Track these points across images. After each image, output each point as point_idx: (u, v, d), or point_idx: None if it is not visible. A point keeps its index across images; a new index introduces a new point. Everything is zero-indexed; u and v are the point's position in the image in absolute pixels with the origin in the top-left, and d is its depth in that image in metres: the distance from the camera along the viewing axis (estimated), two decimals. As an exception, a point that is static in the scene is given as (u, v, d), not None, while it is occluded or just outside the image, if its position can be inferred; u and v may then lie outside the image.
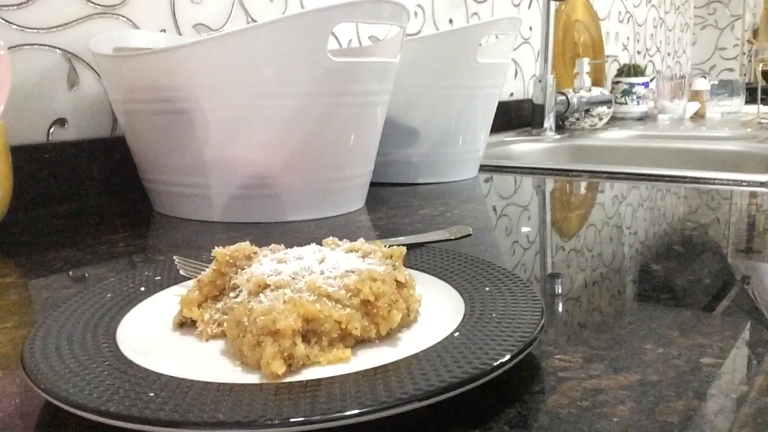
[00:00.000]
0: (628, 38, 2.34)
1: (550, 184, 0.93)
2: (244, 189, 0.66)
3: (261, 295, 0.33)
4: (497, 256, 0.55)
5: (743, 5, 2.81)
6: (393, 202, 0.78)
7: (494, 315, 0.34)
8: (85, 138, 0.83)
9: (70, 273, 0.52)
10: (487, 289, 0.38)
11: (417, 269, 0.42)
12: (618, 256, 0.55)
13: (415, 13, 1.35)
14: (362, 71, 0.67)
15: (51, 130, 0.81)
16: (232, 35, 0.64)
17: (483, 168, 1.01)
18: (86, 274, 0.51)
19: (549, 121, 1.48)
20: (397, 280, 0.35)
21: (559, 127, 1.55)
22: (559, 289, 0.46)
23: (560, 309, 0.42)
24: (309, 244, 0.40)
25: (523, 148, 1.38)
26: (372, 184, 0.78)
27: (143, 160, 0.73)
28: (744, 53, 2.84)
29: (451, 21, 1.45)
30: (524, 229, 0.65)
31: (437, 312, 0.37)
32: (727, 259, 0.55)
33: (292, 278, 0.33)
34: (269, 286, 0.33)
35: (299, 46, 0.61)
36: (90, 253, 0.58)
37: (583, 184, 0.91)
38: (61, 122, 0.82)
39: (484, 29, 0.87)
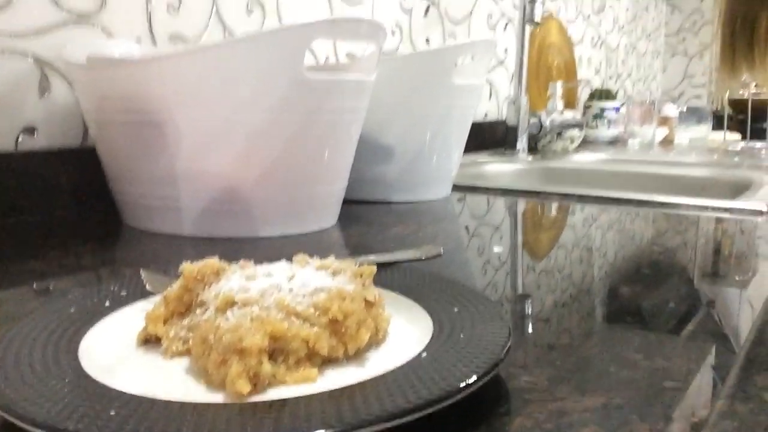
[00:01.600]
0: (600, 63, 2.39)
1: (521, 205, 0.94)
2: (216, 203, 0.66)
3: (228, 312, 0.32)
4: (468, 275, 0.56)
5: (712, 35, 2.89)
6: (366, 220, 0.78)
7: (462, 336, 0.34)
8: (54, 147, 0.82)
9: (35, 285, 0.51)
10: (455, 309, 0.38)
11: (386, 288, 0.42)
12: (587, 277, 0.56)
13: (393, 32, 1.36)
14: (338, 88, 0.67)
15: (19, 139, 0.79)
16: (208, 49, 0.64)
17: (456, 188, 1.02)
18: (51, 287, 0.50)
19: (522, 143, 1.49)
20: (366, 299, 0.35)
21: (532, 149, 1.57)
22: (528, 310, 0.47)
23: (529, 330, 0.43)
24: (280, 260, 0.40)
25: (496, 168, 1.39)
26: (345, 201, 0.78)
27: (113, 170, 0.72)
28: (711, 81, 2.92)
29: (427, 41, 1.47)
30: (496, 249, 0.65)
31: (405, 331, 0.37)
32: (693, 282, 0.56)
33: (261, 295, 0.33)
34: (237, 303, 0.33)
35: (276, 62, 0.61)
36: (56, 266, 0.57)
37: (554, 206, 0.93)
38: (30, 131, 0.80)
39: (460, 51, 0.88)
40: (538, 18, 1.31)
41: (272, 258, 0.40)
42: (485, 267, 0.58)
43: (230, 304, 0.33)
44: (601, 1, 2.33)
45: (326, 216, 0.73)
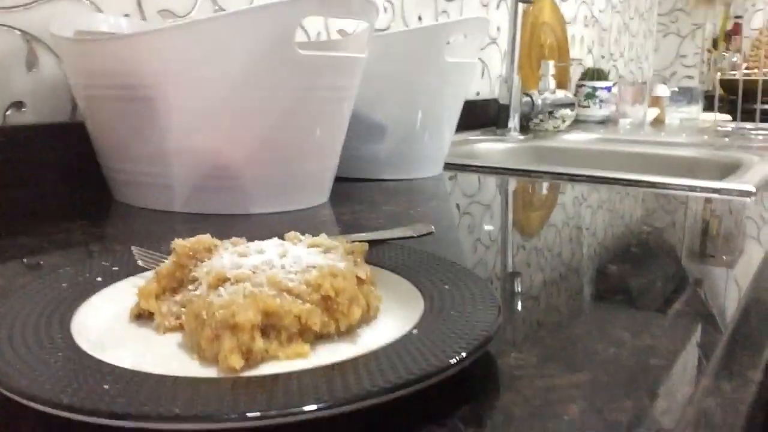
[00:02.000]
0: (593, 42, 2.38)
1: (512, 184, 0.94)
2: (207, 180, 0.66)
3: (220, 288, 0.32)
4: (459, 253, 0.56)
5: (704, 15, 2.88)
6: (357, 198, 0.78)
7: (452, 313, 0.35)
8: (43, 122, 0.81)
9: (25, 261, 0.51)
10: (446, 287, 0.38)
11: (378, 266, 0.43)
12: (576, 256, 0.56)
13: (385, 9, 1.35)
14: (329, 65, 0.67)
15: (7, 113, 0.78)
16: (198, 23, 0.63)
17: (448, 166, 1.02)
18: (41, 263, 0.50)
19: (514, 122, 1.49)
20: (357, 276, 0.35)
21: (524, 128, 1.57)
22: (518, 288, 0.47)
23: (519, 307, 0.43)
24: (271, 237, 0.40)
25: (487, 147, 1.39)
26: (337, 179, 0.77)
27: (103, 147, 0.72)
28: (703, 62, 2.92)
29: (420, 18, 1.46)
30: (486, 227, 0.65)
31: (397, 309, 0.37)
32: (680, 262, 0.57)
33: (253, 272, 0.33)
34: (229, 279, 0.33)
35: (266, 38, 0.61)
36: (46, 241, 0.57)
37: (545, 185, 0.93)
38: (18, 105, 0.79)
39: (452, 28, 0.88)
40: (531, -4, 1.30)
41: (263, 235, 0.41)
42: (476, 245, 0.59)
43: (222, 280, 0.33)
44: (594, -21, 2.32)
45: (318, 193, 0.73)
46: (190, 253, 0.36)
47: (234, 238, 0.39)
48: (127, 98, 0.65)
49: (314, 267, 0.34)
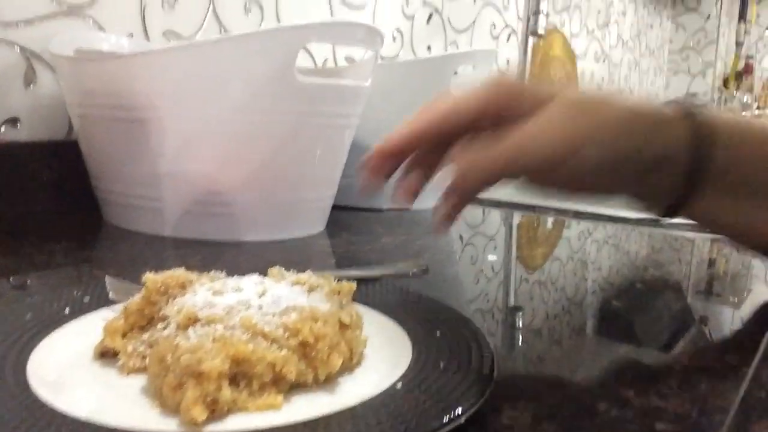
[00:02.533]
0: (603, 78, 2.38)
1: (515, 218, 0.92)
2: (199, 204, 0.64)
3: (190, 329, 0.30)
4: (457, 289, 0.53)
5: (715, 54, 2.88)
6: (355, 228, 0.76)
7: (441, 364, 0.32)
8: (37, 139, 0.79)
9: (11, 280, 0.49)
10: (437, 333, 0.36)
11: (367, 305, 0.40)
12: (580, 292, 0.54)
13: (394, 38, 1.34)
14: (330, 93, 0.65)
15: (1, 129, 0.77)
16: (197, 46, 0.62)
17: (450, 198, 0.99)
18: (28, 282, 0.48)
19: (520, 155, 1.47)
20: (341, 321, 0.32)
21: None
22: (519, 324, 0.45)
23: (517, 351, 0.41)
24: (263, 266, 0.38)
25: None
26: (335, 207, 0.75)
27: (96, 167, 0.70)
28: (714, 100, 2.91)
29: (429, 48, 1.45)
30: (490, 257, 0.63)
31: (382, 355, 0.35)
32: (686, 300, 0.54)
33: (226, 313, 0.31)
34: (200, 320, 0.30)
35: (267, 63, 0.59)
36: (27, 263, 0.54)
37: (549, 221, 0.91)
38: (13, 121, 0.78)
39: (459, 59, 0.86)
40: (541, 30, 1.30)
41: (255, 263, 0.39)
42: (474, 281, 0.56)
43: (193, 320, 0.30)
44: (605, 16, 2.32)
45: (313, 222, 0.71)
46: (162, 288, 0.33)
47: (213, 273, 0.37)
48: (121, 119, 0.63)
49: (294, 309, 0.31)
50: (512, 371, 0.37)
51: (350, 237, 0.71)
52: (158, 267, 0.36)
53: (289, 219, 0.67)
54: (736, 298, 0.55)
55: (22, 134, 0.78)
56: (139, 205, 0.66)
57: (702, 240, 0.79)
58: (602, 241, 0.77)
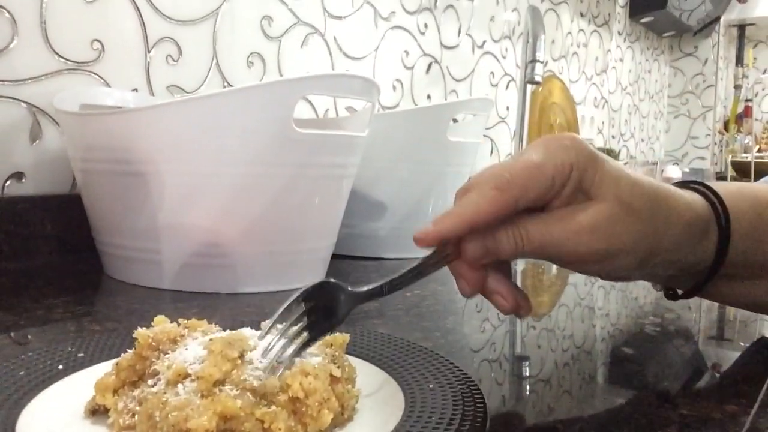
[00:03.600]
0: (603, 123, 2.40)
1: (519, 264, 0.92)
2: (197, 257, 0.64)
3: (179, 385, 0.30)
4: (460, 340, 0.53)
5: (714, 97, 2.91)
6: (354, 277, 0.76)
7: (433, 418, 0.32)
8: (41, 193, 0.80)
9: (12, 335, 0.49)
10: (431, 386, 0.35)
11: (359, 357, 0.40)
12: (589, 337, 0.54)
13: (394, 87, 1.37)
14: (328, 144, 0.66)
15: (7, 183, 0.78)
16: (195, 100, 0.63)
17: (451, 245, 0.99)
18: (29, 337, 0.48)
19: (522, 200, 1.48)
20: (332, 374, 0.32)
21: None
22: (526, 373, 0.45)
23: (528, 393, 0.41)
24: (261, 318, 0.38)
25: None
26: (335, 256, 0.75)
27: (97, 220, 0.71)
28: (715, 143, 2.92)
29: (429, 97, 1.47)
30: (485, 320, 0.63)
31: (374, 409, 0.34)
32: (697, 346, 0.54)
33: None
34: (189, 375, 0.30)
35: (265, 116, 0.60)
36: (24, 318, 0.55)
37: (554, 267, 0.90)
38: (18, 176, 0.79)
39: (455, 108, 0.88)
40: (538, 78, 1.32)
41: (252, 315, 0.39)
42: (480, 329, 0.56)
43: (183, 376, 0.30)
44: (603, 63, 2.36)
45: (313, 273, 0.71)
46: (153, 343, 0.33)
47: (206, 326, 0.37)
48: (121, 172, 0.64)
49: (278, 361, 0.31)
50: (521, 422, 0.37)
51: (348, 287, 0.70)
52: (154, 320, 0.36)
53: (288, 270, 0.68)
54: (747, 344, 0.55)
55: (27, 188, 0.80)
56: (139, 257, 0.66)
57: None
58: (609, 286, 0.77)
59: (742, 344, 0.55)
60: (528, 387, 0.43)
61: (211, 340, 0.32)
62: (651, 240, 0.36)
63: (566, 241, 0.35)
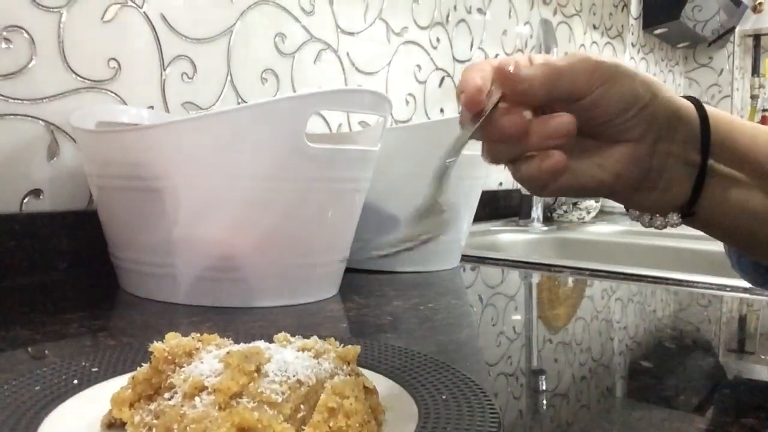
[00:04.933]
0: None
1: (534, 278, 0.91)
2: (211, 271, 0.64)
3: (197, 398, 0.30)
4: (476, 353, 0.53)
5: (731, 108, 2.89)
6: (367, 291, 0.76)
7: (448, 429, 0.31)
8: (59, 210, 0.81)
9: (30, 350, 0.49)
10: (443, 397, 0.35)
11: (372, 369, 0.40)
12: (607, 351, 0.53)
13: (407, 102, 1.37)
14: (340, 158, 0.66)
15: (25, 200, 0.79)
16: (209, 117, 0.64)
17: (466, 258, 0.99)
18: (47, 352, 0.49)
19: (536, 212, 1.48)
20: (365, 386, 0.32)
21: (547, 219, 1.55)
22: (543, 387, 0.45)
23: (544, 408, 0.40)
24: (274, 331, 0.39)
25: (509, 238, 1.37)
26: (349, 270, 0.76)
27: (112, 235, 0.71)
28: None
29: (442, 110, 1.48)
30: (499, 329, 0.62)
31: (388, 422, 0.34)
32: (717, 358, 0.53)
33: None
34: (206, 388, 0.30)
35: (277, 131, 0.61)
36: (41, 333, 0.55)
37: (568, 281, 0.90)
38: (36, 193, 0.80)
39: (469, 121, 0.88)
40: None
41: (266, 329, 0.39)
42: (496, 343, 0.55)
43: (200, 389, 0.30)
44: (617, 73, 2.35)
45: (326, 287, 0.71)
46: (168, 357, 0.33)
47: (220, 339, 0.37)
48: (136, 188, 0.65)
49: (298, 379, 0.31)
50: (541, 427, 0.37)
51: (362, 300, 0.71)
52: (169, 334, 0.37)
53: (302, 284, 0.68)
54: (768, 357, 0.54)
55: (44, 205, 0.81)
56: (153, 272, 0.67)
57: (731, 298, 0.77)
58: (626, 299, 0.76)
59: (763, 357, 0.54)
60: (545, 401, 0.43)
61: (228, 353, 0.32)
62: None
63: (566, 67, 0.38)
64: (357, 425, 0.30)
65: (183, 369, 0.33)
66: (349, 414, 0.30)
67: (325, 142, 0.66)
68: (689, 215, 0.42)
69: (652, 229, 0.44)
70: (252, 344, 0.35)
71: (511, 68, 0.38)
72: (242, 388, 0.30)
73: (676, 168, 0.41)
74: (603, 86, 0.38)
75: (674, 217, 0.42)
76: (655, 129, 0.39)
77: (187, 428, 0.28)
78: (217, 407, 0.29)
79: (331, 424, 0.30)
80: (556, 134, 0.37)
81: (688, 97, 0.42)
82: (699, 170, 0.41)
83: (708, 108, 0.42)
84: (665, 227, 0.43)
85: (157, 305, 0.66)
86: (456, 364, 0.42)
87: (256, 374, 0.31)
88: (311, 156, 0.63)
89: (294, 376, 0.32)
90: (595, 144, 0.40)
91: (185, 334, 0.37)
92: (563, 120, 0.37)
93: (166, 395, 0.32)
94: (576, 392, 0.43)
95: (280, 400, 0.30)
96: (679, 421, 0.38)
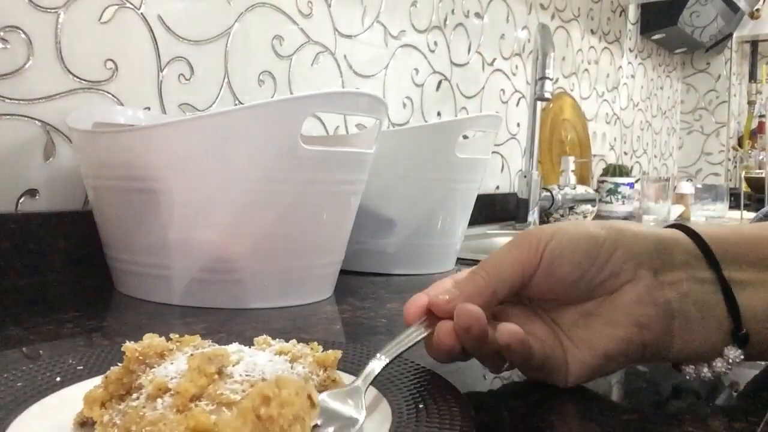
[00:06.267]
0: (615, 139, 2.40)
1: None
2: (206, 272, 0.64)
3: (159, 399, 0.30)
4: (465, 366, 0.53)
5: (728, 113, 2.90)
6: (362, 293, 0.76)
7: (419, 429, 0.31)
8: (54, 210, 0.82)
9: (25, 350, 0.50)
10: (420, 405, 0.35)
11: (351, 373, 0.39)
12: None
13: (404, 104, 1.38)
14: (335, 160, 0.66)
15: (21, 200, 0.79)
16: (204, 118, 0.64)
17: (462, 261, 0.99)
18: (41, 352, 0.49)
19: (533, 216, 1.48)
20: (310, 398, 0.32)
21: (543, 222, 1.55)
22: (535, 389, 0.45)
23: (532, 408, 0.40)
24: (268, 333, 0.39)
25: (505, 241, 1.37)
26: (344, 272, 0.76)
27: (108, 236, 0.72)
28: (729, 159, 2.90)
29: (439, 114, 1.48)
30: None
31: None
32: None
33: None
34: (170, 390, 0.30)
35: (272, 133, 0.61)
36: (34, 333, 0.55)
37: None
38: (31, 193, 0.81)
39: (464, 125, 0.88)
40: (548, 95, 1.32)
41: (260, 331, 0.39)
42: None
43: (163, 390, 0.30)
44: (615, 79, 2.36)
45: (321, 289, 0.71)
46: (140, 357, 0.34)
47: (198, 340, 0.37)
48: (132, 189, 0.65)
49: (263, 378, 0.31)
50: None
51: (357, 303, 0.71)
52: (164, 335, 0.37)
53: (297, 286, 0.68)
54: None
55: (40, 205, 0.81)
56: (148, 273, 0.67)
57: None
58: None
59: (762, 363, 0.54)
60: (537, 405, 0.42)
61: (191, 355, 0.32)
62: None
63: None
64: (291, 416, 0.30)
65: (153, 370, 0.33)
66: (284, 404, 0.29)
67: (320, 144, 0.66)
68: (744, 340, 0.39)
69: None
70: (227, 346, 0.35)
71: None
72: (201, 390, 0.30)
73: (698, 292, 0.38)
74: (547, 256, 0.38)
75: (732, 351, 0.39)
76: (645, 261, 0.38)
77: (143, 430, 0.28)
78: (175, 410, 0.29)
79: (261, 411, 0.29)
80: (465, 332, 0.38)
81: (670, 225, 0.41)
82: (721, 285, 0.39)
83: (695, 225, 0.41)
84: (729, 368, 0.40)
85: (152, 306, 0.66)
86: (448, 367, 0.42)
87: (217, 376, 0.31)
88: (306, 158, 0.63)
89: (260, 376, 0.32)
90: (594, 304, 0.39)
91: (181, 335, 0.37)
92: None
93: (134, 396, 0.32)
94: (563, 394, 0.43)
95: (239, 398, 0.30)
96: (667, 423, 0.38)
